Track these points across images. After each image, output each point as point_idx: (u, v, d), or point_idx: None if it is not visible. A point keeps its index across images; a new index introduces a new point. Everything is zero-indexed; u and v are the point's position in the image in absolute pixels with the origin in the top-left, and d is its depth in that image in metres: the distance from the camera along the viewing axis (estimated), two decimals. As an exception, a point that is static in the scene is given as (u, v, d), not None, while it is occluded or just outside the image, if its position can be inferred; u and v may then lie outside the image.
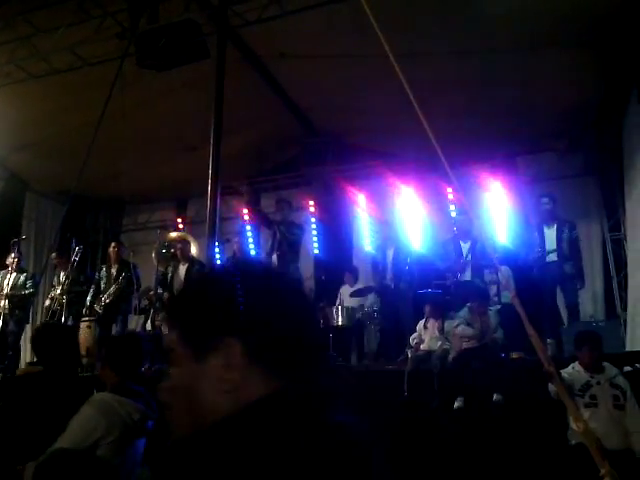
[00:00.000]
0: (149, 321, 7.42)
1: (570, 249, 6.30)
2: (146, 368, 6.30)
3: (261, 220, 7.21)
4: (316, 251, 9.04)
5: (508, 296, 5.84)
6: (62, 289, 7.32)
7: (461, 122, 7.75)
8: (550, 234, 6.42)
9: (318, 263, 8.86)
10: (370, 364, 6.62)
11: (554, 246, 6.35)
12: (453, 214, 8.37)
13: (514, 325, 4.57)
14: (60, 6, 6.09)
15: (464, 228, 6.65)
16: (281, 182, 9.75)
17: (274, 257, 6.90)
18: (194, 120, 7.43)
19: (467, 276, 6.39)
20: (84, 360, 7.42)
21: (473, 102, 7.60)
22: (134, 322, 8.12)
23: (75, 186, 6.49)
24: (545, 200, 6.61)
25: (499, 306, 5.84)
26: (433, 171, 8.40)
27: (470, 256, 6.34)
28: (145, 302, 7.37)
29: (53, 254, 7.82)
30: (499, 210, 8.13)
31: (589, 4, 5.71)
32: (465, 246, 6.51)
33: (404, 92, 5.41)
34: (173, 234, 7.70)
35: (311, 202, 9.25)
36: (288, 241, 7.04)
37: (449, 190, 8.40)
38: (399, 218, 8.27)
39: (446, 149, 5.28)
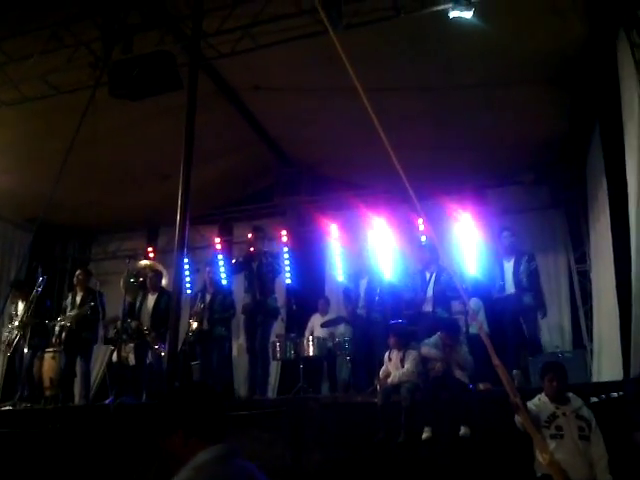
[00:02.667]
0: (115, 352, 7.26)
1: (529, 280, 6.40)
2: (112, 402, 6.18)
3: (243, 263, 7.19)
4: (288, 281, 9.01)
5: (475, 327, 5.88)
6: (21, 320, 7.12)
7: (431, 155, 7.91)
8: (508, 267, 6.53)
9: (290, 293, 8.82)
10: (340, 396, 6.56)
11: (511, 279, 6.45)
12: (422, 244, 8.45)
13: (481, 356, 4.60)
14: (33, 34, 6.08)
15: (429, 258, 6.70)
16: (254, 212, 9.76)
17: (254, 292, 6.85)
18: (167, 149, 7.39)
19: (429, 307, 6.42)
20: (47, 392, 7.23)
21: (442, 135, 7.77)
22: (101, 353, 7.94)
23: (43, 213, 6.40)
24: (506, 234, 6.73)
25: (463, 333, 5.85)
26: (404, 202, 8.50)
27: (433, 287, 6.37)
28: (113, 332, 7.21)
29: (11, 288, 7.61)
30: (468, 242, 8.23)
31: (555, 44, 5.93)
32: (429, 277, 6.56)
33: (374, 124, 5.53)
34: (142, 262, 7.61)
35: (284, 232, 9.26)
36: (268, 271, 7.02)
37: (419, 221, 8.50)
38: (371, 248, 8.32)
39: (415, 181, 5.36)
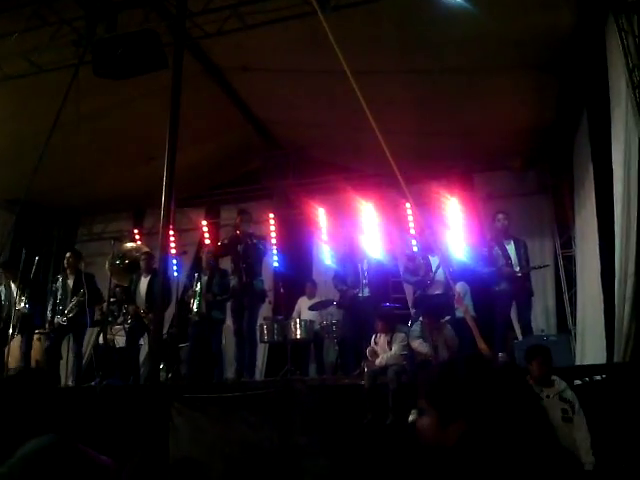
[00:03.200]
0: (101, 335, 7.23)
1: (527, 267, 6.47)
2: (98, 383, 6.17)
3: (228, 246, 7.13)
4: (276, 264, 9.00)
5: (461, 310, 5.92)
6: (17, 301, 7.08)
7: (418, 139, 7.88)
8: (511, 250, 6.54)
9: (277, 276, 8.82)
10: (327, 378, 6.60)
11: (517, 262, 6.48)
12: (411, 229, 8.47)
13: (467, 339, 4.64)
14: (15, 11, 5.94)
15: (430, 242, 6.70)
16: (242, 194, 9.70)
17: (240, 275, 6.82)
18: (152, 130, 7.29)
19: (437, 290, 6.45)
20: (33, 374, 7.18)
21: (429, 120, 7.75)
22: (87, 335, 7.89)
23: (25, 194, 6.31)
24: (500, 216, 6.73)
25: (448, 317, 5.90)
26: (392, 186, 8.50)
27: (440, 270, 6.39)
28: (97, 315, 7.17)
29: (2, 267, 7.54)
30: (455, 226, 8.26)
31: (543, 29, 5.90)
32: (434, 260, 6.57)
33: (362, 108, 5.49)
34: (128, 245, 7.55)
35: (271, 215, 9.23)
36: (253, 254, 6.99)
37: (407, 205, 8.51)
38: (359, 232, 8.32)
39: (403, 165, 5.37)
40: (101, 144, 8.02)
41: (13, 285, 7.30)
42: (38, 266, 7.25)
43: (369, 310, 6.60)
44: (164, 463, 4.92)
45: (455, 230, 8.16)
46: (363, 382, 5.22)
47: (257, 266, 7.02)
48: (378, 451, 4.99)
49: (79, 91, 5.84)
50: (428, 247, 6.76)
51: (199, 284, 7.11)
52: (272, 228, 9.24)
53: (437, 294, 6.44)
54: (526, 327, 6.32)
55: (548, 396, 4.22)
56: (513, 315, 6.73)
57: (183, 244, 8.95)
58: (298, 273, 8.92)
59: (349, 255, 7.43)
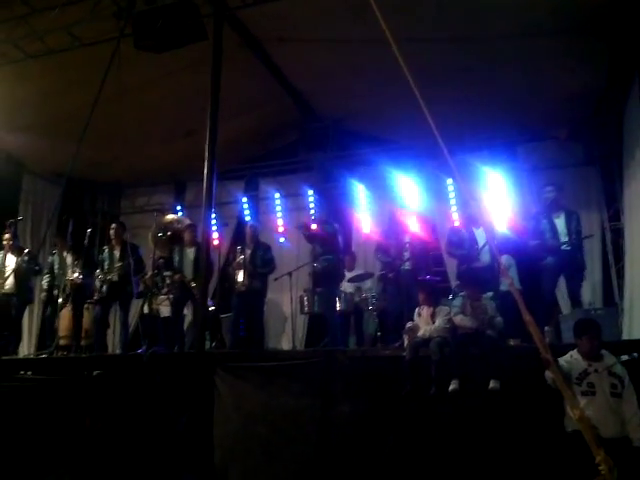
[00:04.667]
0: (146, 305, 7.41)
1: (578, 238, 6.27)
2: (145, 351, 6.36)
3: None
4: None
5: (506, 284, 5.83)
6: (70, 271, 7.28)
7: (460, 109, 7.69)
8: (559, 223, 6.36)
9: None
10: (367, 349, 6.62)
11: (565, 235, 6.31)
12: (453, 202, 8.34)
13: (512, 313, 4.57)
14: (56, -16, 6.00)
15: (475, 214, 6.57)
16: (280, 167, 9.69)
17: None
18: (193, 103, 7.35)
19: (483, 263, 6.34)
20: (83, 342, 7.48)
21: (473, 89, 7.54)
22: (134, 305, 8.10)
23: (70, 168, 6.45)
24: (549, 188, 6.54)
25: (491, 293, 5.81)
26: (433, 159, 8.37)
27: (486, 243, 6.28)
28: (142, 286, 7.34)
29: (56, 238, 7.76)
30: (499, 198, 8.10)
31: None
32: (479, 232, 6.45)
33: (404, 78, 5.36)
34: (169, 217, 7.66)
35: (310, 188, 9.21)
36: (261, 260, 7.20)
37: (449, 178, 8.38)
38: (400, 204, 8.25)
39: (445, 136, 5.24)
40: (142, 117, 8.10)
41: (65, 255, 7.50)
42: (89, 237, 7.45)
43: (411, 283, 6.55)
44: (209, 428, 5.06)
45: (499, 202, 8.00)
46: (404, 354, 5.21)
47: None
48: (419, 420, 5.02)
49: (120, 64, 5.90)
50: (472, 220, 6.63)
51: (243, 256, 7.19)
52: (311, 200, 9.24)
53: (482, 267, 6.34)
54: (575, 301, 6.17)
55: (597, 371, 4.14)
56: (561, 288, 6.58)
57: (223, 217, 9.03)
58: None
59: (390, 227, 7.36)
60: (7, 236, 7.42)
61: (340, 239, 7.53)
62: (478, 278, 5.91)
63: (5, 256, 7.43)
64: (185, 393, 5.09)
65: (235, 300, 7.19)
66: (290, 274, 7.64)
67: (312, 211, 9.12)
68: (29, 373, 6.59)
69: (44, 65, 6.78)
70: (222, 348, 7.44)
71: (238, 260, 7.23)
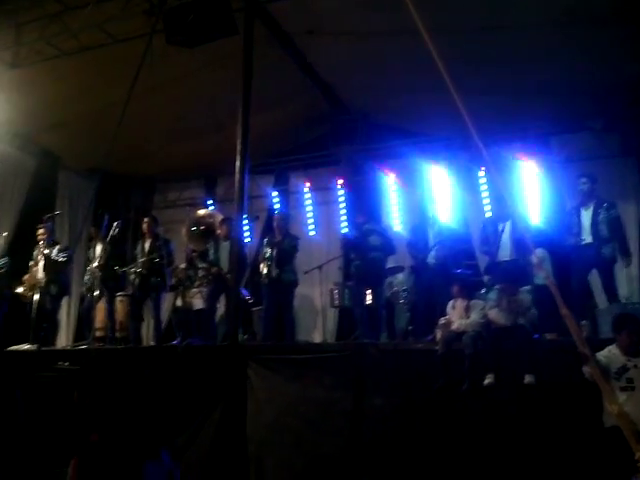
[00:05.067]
0: (179, 298, 7.50)
1: (609, 229, 6.09)
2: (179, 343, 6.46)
3: None
4: (345, 230, 9.01)
5: (542, 278, 5.73)
6: (99, 263, 7.41)
7: (493, 100, 7.56)
8: (586, 215, 6.22)
9: (346, 241, 8.83)
10: (399, 343, 6.59)
11: (589, 228, 6.16)
12: (485, 194, 8.23)
13: (548, 306, 4.50)
14: (89, -18, 6.09)
15: (503, 208, 6.46)
16: (309, 161, 9.69)
17: None
18: (222, 98, 7.41)
19: (507, 256, 6.24)
20: (118, 334, 7.64)
21: (506, 79, 7.41)
22: (168, 298, 8.22)
23: (104, 163, 6.57)
24: (583, 180, 6.39)
25: (528, 287, 5.72)
26: (463, 150, 8.27)
27: (510, 236, 6.18)
28: (174, 280, 7.45)
29: (92, 228, 7.88)
30: (532, 191, 7.96)
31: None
32: (505, 226, 6.35)
33: (436, 69, 5.29)
34: (202, 211, 7.74)
35: (340, 181, 9.19)
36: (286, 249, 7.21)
37: (480, 170, 8.27)
38: (430, 197, 8.17)
39: (478, 128, 5.18)
40: (174, 113, 8.19)
41: (98, 248, 7.66)
42: (119, 230, 7.56)
43: (440, 277, 6.50)
44: (242, 420, 5.11)
45: (531, 195, 7.87)
46: (437, 348, 5.18)
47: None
48: (452, 415, 4.98)
49: (153, 60, 5.97)
50: (502, 213, 6.52)
51: (269, 248, 7.23)
52: (340, 194, 9.23)
53: (510, 260, 6.24)
54: (611, 295, 6.03)
55: (636, 366, 4.06)
56: (596, 282, 6.44)
57: (254, 210, 9.09)
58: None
59: (420, 221, 7.31)
60: (41, 231, 7.59)
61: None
62: (510, 272, 5.84)
63: (40, 251, 7.60)
64: (219, 384, 5.15)
65: (265, 292, 7.21)
66: (320, 267, 7.65)
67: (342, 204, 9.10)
68: (66, 364, 6.74)
69: (78, 62, 6.90)
70: (254, 341, 7.51)
71: (265, 251, 7.23)
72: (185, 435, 5.54)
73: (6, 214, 8.60)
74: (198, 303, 7.48)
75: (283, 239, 7.29)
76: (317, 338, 8.47)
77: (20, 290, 7.48)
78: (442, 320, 5.38)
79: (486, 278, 6.46)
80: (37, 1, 6.38)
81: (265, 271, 7.06)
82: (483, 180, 8.41)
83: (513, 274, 5.67)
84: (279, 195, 9.77)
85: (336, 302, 7.39)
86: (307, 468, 5.10)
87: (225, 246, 7.25)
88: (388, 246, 7.14)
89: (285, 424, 5.33)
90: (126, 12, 6.29)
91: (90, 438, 5.01)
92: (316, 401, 5.27)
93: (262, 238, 7.91)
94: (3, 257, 7.67)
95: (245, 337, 7.48)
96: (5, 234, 7.96)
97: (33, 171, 9.02)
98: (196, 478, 5.28)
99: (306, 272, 7.76)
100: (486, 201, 8.34)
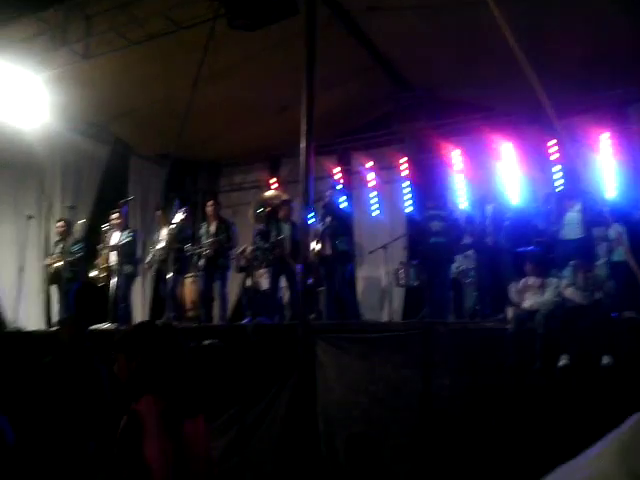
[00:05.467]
0: (249, 278, 7.69)
1: None
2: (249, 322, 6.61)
3: None
4: (409, 209, 8.91)
5: (620, 254, 5.47)
6: (164, 246, 7.67)
7: (564, 69, 7.22)
8: None
9: (411, 221, 8.74)
10: (468, 322, 6.50)
11: None
12: (555, 169, 7.91)
13: (627, 283, 4.31)
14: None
15: (576, 182, 6.20)
16: (372, 140, 9.59)
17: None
18: (285, 80, 7.43)
19: (575, 234, 6.00)
20: (189, 313, 7.93)
21: (578, 47, 7.04)
22: (236, 278, 8.43)
23: (174, 149, 6.75)
24: None
25: (604, 259, 5.47)
26: (534, 123, 7.95)
27: (581, 212, 5.94)
28: (243, 261, 7.63)
29: (158, 211, 8.19)
30: (607, 164, 7.57)
31: None
32: (571, 203, 6.10)
33: (503, 40, 5.10)
34: (267, 193, 7.86)
35: (404, 159, 9.07)
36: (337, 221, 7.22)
37: (551, 143, 7.94)
38: (497, 174, 7.93)
39: (549, 99, 4.96)
40: (237, 96, 8.29)
41: (164, 230, 7.92)
42: (186, 213, 7.80)
43: (506, 255, 6.34)
44: (313, 397, 5.20)
45: (607, 168, 7.49)
46: (508, 326, 5.07)
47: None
48: (523, 394, 4.88)
49: (215, 46, 6.06)
50: (572, 189, 6.24)
51: (320, 224, 7.27)
52: (405, 173, 9.11)
53: (582, 237, 5.99)
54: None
55: None
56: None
57: (317, 192, 9.10)
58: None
59: (487, 198, 7.12)
60: (115, 215, 7.92)
61: None
62: (581, 249, 5.61)
63: (112, 234, 7.95)
64: (287, 363, 5.26)
65: (322, 270, 7.25)
66: (385, 247, 7.62)
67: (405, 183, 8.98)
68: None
69: (144, 51, 7.08)
70: (320, 319, 7.60)
71: (316, 230, 7.22)
72: (254, 413, 5.68)
73: (83, 202, 9.05)
74: (265, 283, 7.64)
75: (334, 213, 7.25)
76: (383, 318, 8.47)
77: (94, 273, 7.85)
78: (514, 297, 5.25)
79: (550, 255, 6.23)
80: (105, -8, 6.58)
81: (317, 247, 7.08)
82: (553, 154, 8.06)
83: (587, 250, 5.45)
84: (342, 175, 9.74)
85: (402, 281, 7.34)
86: (379, 443, 5.14)
87: (286, 228, 7.34)
88: (453, 231, 7.08)
89: (354, 402, 5.39)
90: (190, -2, 6.39)
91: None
92: (385, 380, 5.29)
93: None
94: (79, 242, 8.07)
95: (313, 316, 7.58)
96: (82, 221, 8.38)
97: (106, 159, 9.41)
98: (268, 456, 5.42)
99: (371, 252, 7.75)
100: (557, 176, 8.02)
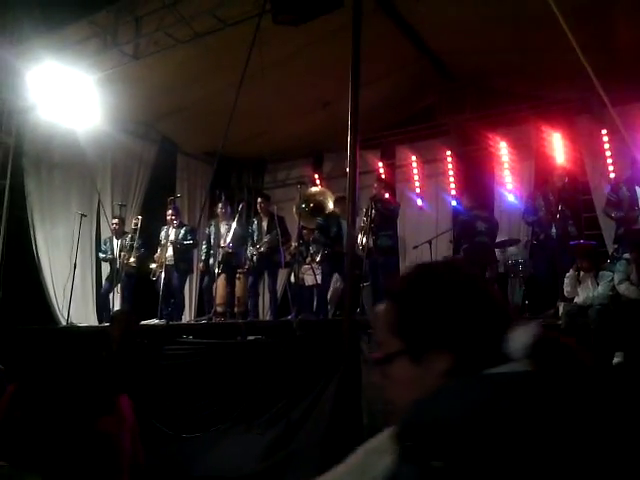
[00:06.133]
0: (293, 274, 7.73)
1: None
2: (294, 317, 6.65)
3: None
4: (454, 203, 8.78)
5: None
6: (222, 240, 7.75)
7: (615, 54, 6.94)
8: None
9: (457, 215, 8.61)
10: (516, 318, 6.33)
11: None
12: (609, 157, 7.63)
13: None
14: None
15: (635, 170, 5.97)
16: (416, 133, 9.48)
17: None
18: (327, 74, 7.43)
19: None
20: (236, 309, 8.04)
21: (629, 30, 6.75)
22: (281, 274, 8.50)
23: (221, 147, 6.84)
24: None
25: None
26: (584, 112, 7.71)
27: None
28: (288, 256, 7.67)
29: (219, 206, 8.20)
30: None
31: None
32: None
33: (554, 26, 4.95)
34: (312, 189, 7.87)
35: (448, 152, 8.93)
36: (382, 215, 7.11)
37: (603, 131, 7.67)
38: (547, 164, 7.72)
39: (602, 85, 4.80)
40: (280, 92, 8.32)
41: (223, 227, 8.03)
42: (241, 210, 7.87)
43: (560, 248, 6.16)
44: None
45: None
46: (559, 322, 4.93)
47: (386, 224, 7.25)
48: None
49: (260, 43, 6.10)
50: (634, 178, 6.01)
51: (365, 217, 7.18)
52: (449, 166, 8.98)
53: None
54: None
55: None
56: None
57: (361, 186, 9.07)
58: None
59: (538, 189, 6.95)
60: (170, 212, 8.08)
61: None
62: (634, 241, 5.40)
63: (168, 230, 8.10)
64: (333, 359, 5.26)
65: (366, 264, 7.19)
66: (430, 242, 7.53)
67: (451, 177, 8.85)
68: (190, 337, 7.19)
69: (191, 49, 7.20)
70: (364, 315, 7.56)
71: (361, 223, 7.13)
72: (300, 409, 5.70)
73: (132, 200, 9.30)
74: (309, 279, 7.66)
75: (380, 205, 7.20)
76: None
77: (153, 266, 8.01)
78: (566, 293, 5.10)
79: (613, 248, 6.03)
80: (154, -6, 6.71)
81: (363, 241, 7.03)
82: (606, 143, 7.79)
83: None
84: (386, 169, 9.67)
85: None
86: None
87: (344, 224, 7.30)
88: (493, 232, 7.25)
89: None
90: (236, -5, 6.45)
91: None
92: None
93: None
94: (139, 239, 8.17)
95: (357, 311, 7.55)
96: (139, 217, 8.55)
97: (154, 157, 9.63)
98: (314, 450, 5.44)
99: (415, 247, 7.67)
100: (610, 164, 7.74)
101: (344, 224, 7.25)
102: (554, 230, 6.45)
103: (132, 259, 7.92)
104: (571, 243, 6.16)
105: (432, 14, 7.17)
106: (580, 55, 4.01)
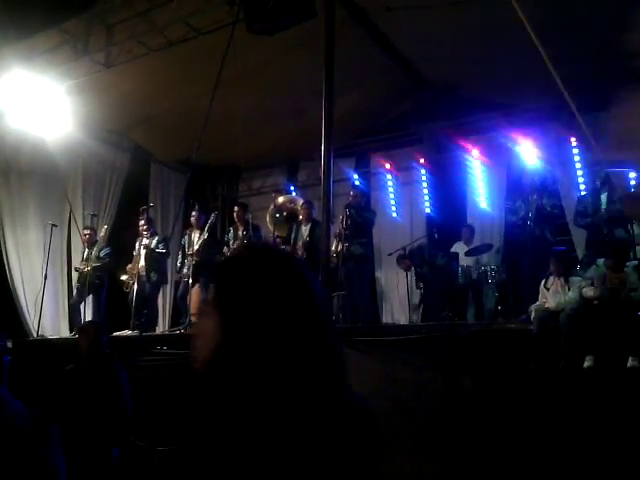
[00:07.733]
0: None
1: None
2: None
3: None
4: (428, 210, 8.85)
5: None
6: (196, 250, 7.64)
7: (586, 64, 7.11)
8: None
9: (430, 222, 8.69)
10: (491, 323, 6.42)
11: None
12: (578, 165, 7.80)
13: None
14: (175, -23, 6.27)
15: (601, 177, 6.11)
16: (390, 141, 9.57)
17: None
18: (302, 84, 7.45)
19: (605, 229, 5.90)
20: (194, 318, 7.91)
21: (603, 43, 6.91)
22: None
23: (195, 156, 6.79)
24: None
25: (636, 262, 5.37)
26: (555, 120, 7.86)
27: (606, 206, 5.84)
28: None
29: (193, 214, 8.10)
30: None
31: None
32: (604, 197, 6.00)
33: (523, 36, 5.04)
34: (282, 198, 7.86)
35: (422, 160, 9.02)
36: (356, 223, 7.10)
37: (572, 140, 7.84)
38: (517, 172, 7.85)
39: (573, 93, 4.90)
40: (254, 101, 8.31)
41: (195, 236, 7.93)
42: (214, 218, 7.81)
43: (537, 252, 6.25)
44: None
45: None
46: (531, 327, 5.00)
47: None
48: (547, 395, 4.79)
49: (234, 52, 6.09)
50: (602, 184, 6.14)
51: (340, 224, 7.19)
52: (423, 173, 9.06)
53: (619, 235, 5.88)
54: None
55: None
56: None
57: (336, 194, 9.09)
58: (451, 218, 8.68)
59: (508, 196, 7.06)
60: (142, 222, 7.97)
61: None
62: (618, 246, 5.51)
63: (140, 241, 7.99)
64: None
65: (341, 271, 7.18)
66: (404, 249, 7.57)
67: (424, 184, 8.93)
68: (165, 348, 7.07)
69: (163, 58, 7.15)
70: (336, 323, 7.53)
71: (337, 229, 7.14)
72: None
73: (104, 209, 9.17)
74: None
75: (355, 212, 7.20)
76: (402, 320, 8.42)
77: (124, 278, 7.89)
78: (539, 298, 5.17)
79: (583, 255, 6.14)
80: (127, 1, 6.64)
81: (337, 248, 7.01)
82: (576, 151, 7.96)
83: (622, 249, 5.34)
84: (360, 177, 9.72)
85: (421, 284, 7.29)
86: (397, 451, 5.10)
87: (304, 230, 7.31)
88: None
89: (377, 406, 5.32)
90: (209, 3, 6.43)
91: None
92: (406, 383, 5.23)
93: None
94: (105, 248, 8.12)
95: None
96: (105, 227, 8.47)
97: (127, 166, 9.52)
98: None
99: (390, 254, 7.69)
100: (579, 173, 7.91)
101: (303, 230, 7.27)
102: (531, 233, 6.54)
103: (88, 268, 7.77)
104: (554, 249, 6.21)
105: (404, 23, 7.25)
106: (548, 64, 4.09)
